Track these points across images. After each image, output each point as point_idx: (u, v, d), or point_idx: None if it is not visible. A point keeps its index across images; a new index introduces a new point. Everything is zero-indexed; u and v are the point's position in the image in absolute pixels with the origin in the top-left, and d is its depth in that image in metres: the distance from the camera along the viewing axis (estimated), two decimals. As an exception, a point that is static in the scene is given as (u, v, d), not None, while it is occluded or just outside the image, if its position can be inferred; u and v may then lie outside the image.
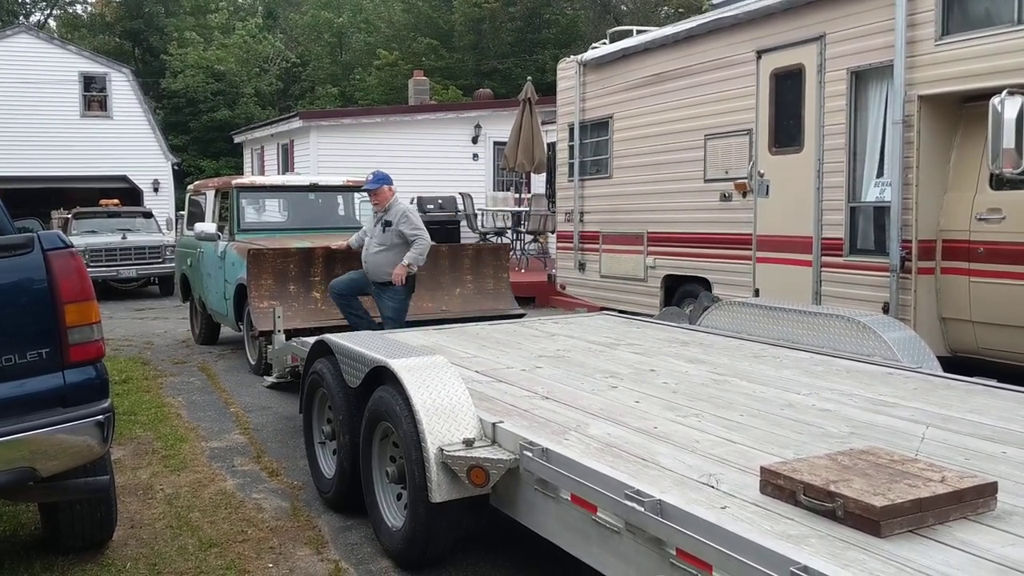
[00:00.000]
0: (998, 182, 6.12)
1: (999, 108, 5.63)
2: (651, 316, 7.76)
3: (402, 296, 7.41)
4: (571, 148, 10.82)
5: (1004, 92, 5.65)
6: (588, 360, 5.13)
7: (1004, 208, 6.09)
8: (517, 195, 17.46)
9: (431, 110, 20.52)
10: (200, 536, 4.41)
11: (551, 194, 15.41)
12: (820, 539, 2.42)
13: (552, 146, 14.30)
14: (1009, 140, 5.61)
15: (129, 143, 25.93)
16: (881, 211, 6.90)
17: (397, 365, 3.89)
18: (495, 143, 19.35)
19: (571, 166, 10.85)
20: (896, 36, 6.59)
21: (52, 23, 44.20)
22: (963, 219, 6.36)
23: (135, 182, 25.87)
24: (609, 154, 10.14)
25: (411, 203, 17.53)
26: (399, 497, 4.03)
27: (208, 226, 9.50)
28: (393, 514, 4.07)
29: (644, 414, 3.83)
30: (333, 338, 4.77)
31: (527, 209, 16.12)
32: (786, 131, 7.75)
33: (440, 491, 3.52)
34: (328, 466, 4.84)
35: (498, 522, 3.91)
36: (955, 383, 4.43)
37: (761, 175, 7.94)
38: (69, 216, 17.48)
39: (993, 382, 4.37)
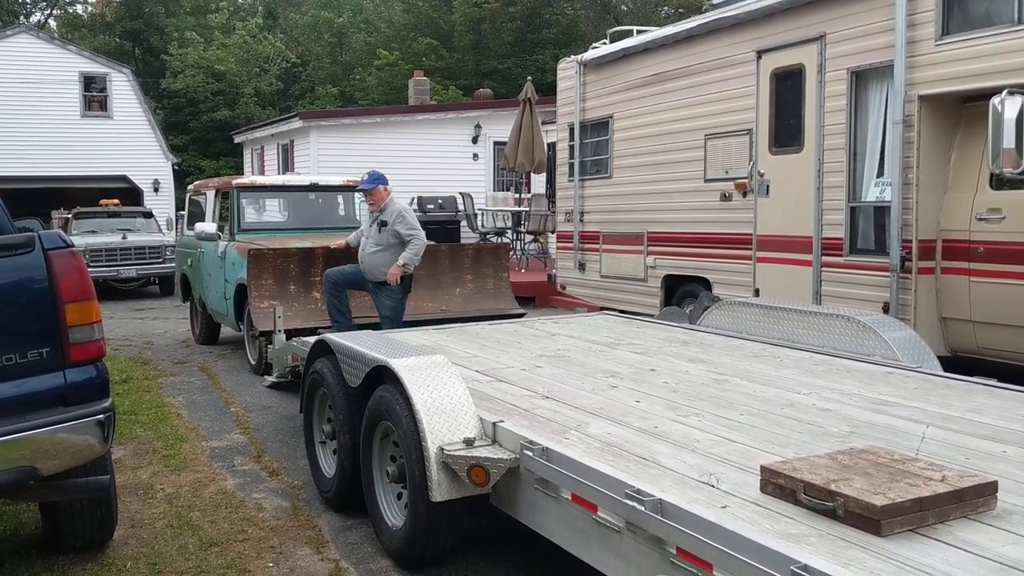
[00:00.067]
0: (998, 182, 6.13)
1: (999, 108, 5.64)
2: (651, 316, 7.76)
3: (399, 295, 7.41)
4: (571, 148, 10.82)
5: (1004, 92, 5.65)
6: (588, 360, 5.13)
7: (1004, 208, 6.09)
8: (517, 195, 17.46)
9: (431, 110, 20.52)
10: (200, 535, 4.41)
11: (551, 194, 15.41)
12: (820, 538, 2.43)
13: (552, 146, 14.31)
14: (1009, 140, 5.61)
15: (129, 143, 25.93)
16: (881, 211, 6.90)
17: (398, 364, 3.89)
18: (495, 143, 19.35)
19: (571, 166, 10.85)
20: (896, 36, 6.59)
21: (52, 23, 44.23)
22: (963, 219, 6.36)
23: (135, 182, 25.88)
24: (609, 154, 10.14)
25: (411, 203, 17.64)
26: (399, 496, 4.03)
27: (208, 226, 9.50)
28: (393, 513, 4.07)
29: (644, 413, 3.83)
30: (333, 338, 4.77)
31: (527, 209, 16.12)
32: (786, 131, 7.75)
33: (440, 490, 3.52)
34: (328, 465, 4.85)
35: (498, 522, 3.91)
36: (955, 383, 4.43)
37: (761, 175, 7.95)
38: (69, 216, 17.48)
39: (993, 382, 4.37)
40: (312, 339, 5.24)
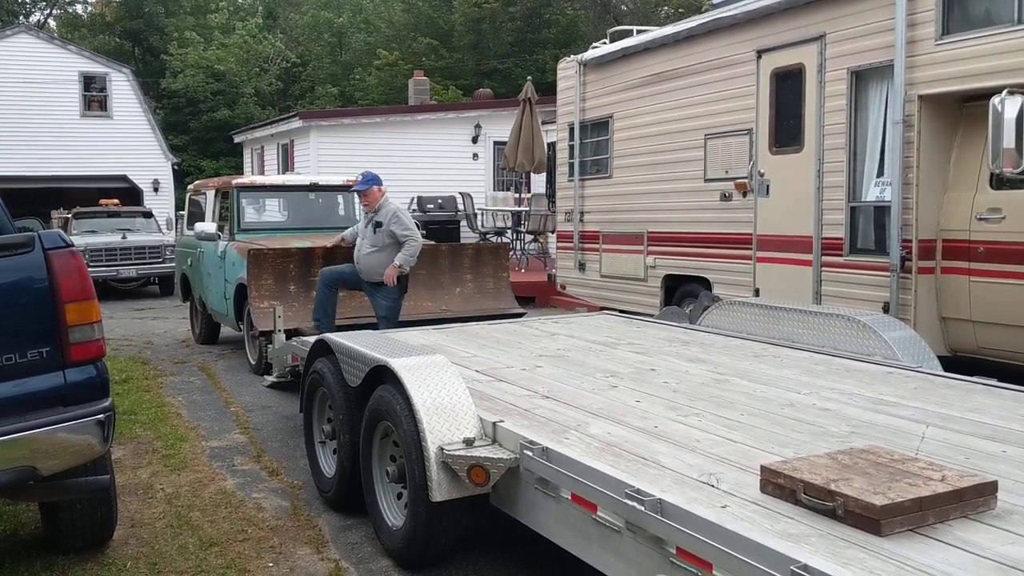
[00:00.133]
0: (998, 182, 6.13)
1: (999, 108, 5.64)
2: (651, 316, 7.76)
3: (395, 296, 7.41)
4: (571, 148, 10.82)
5: (1004, 92, 5.65)
6: (588, 359, 5.13)
7: (1004, 208, 6.09)
8: (517, 195, 17.46)
9: (431, 110, 20.52)
10: (200, 535, 4.41)
11: (551, 194, 15.41)
12: (820, 538, 2.43)
13: (552, 146, 14.30)
14: (1009, 140, 5.61)
15: (129, 143, 25.92)
16: (881, 211, 6.90)
17: (397, 364, 3.89)
18: (495, 143, 19.35)
19: (571, 166, 10.85)
20: (896, 36, 6.59)
21: (52, 23, 44.25)
22: (963, 219, 6.36)
23: (135, 182, 25.86)
24: (609, 154, 10.14)
25: (411, 203, 17.66)
26: (399, 496, 4.03)
27: (208, 226, 9.50)
28: (393, 513, 4.07)
29: (644, 413, 3.83)
30: (333, 337, 4.77)
31: (527, 209, 16.12)
32: (786, 131, 7.75)
33: (440, 490, 3.52)
34: (328, 465, 4.85)
35: (498, 521, 3.91)
36: (955, 382, 4.43)
37: (761, 175, 7.95)
38: (69, 216, 17.48)
39: (993, 381, 4.37)
40: (312, 339, 5.24)
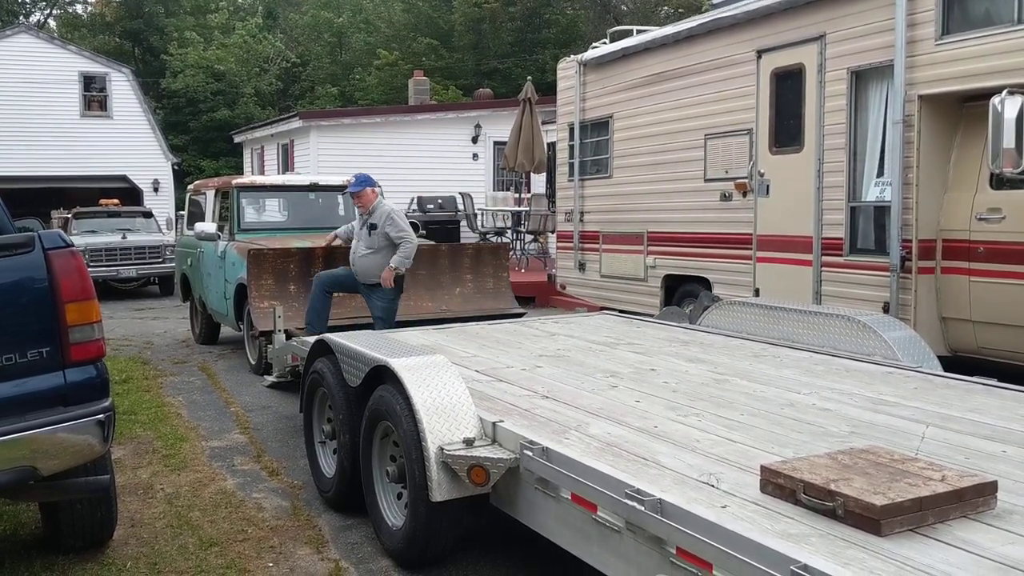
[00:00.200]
0: (998, 182, 6.13)
1: (999, 108, 5.64)
2: (651, 316, 7.76)
3: (392, 297, 7.40)
4: (571, 148, 10.82)
5: (1004, 92, 5.65)
6: (588, 359, 5.14)
7: (1004, 208, 6.09)
8: (517, 195, 17.47)
9: (431, 110, 20.52)
10: (200, 535, 4.41)
11: (551, 194, 15.41)
12: (820, 538, 2.43)
13: (552, 146, 14.31)
14: (1009, 140, 5.62)
15: (129, 143, 25.92)
16: (881, 211, 6.90)
17: (397, 364, 3.89)
18: (495, 143, 19.35)
19: (571, 166, 10.85)
20: (896, 36, 6.59)
21: (52, 23, 44.23)
22: (963, 219, 6.36)
23: (135, 182, 25.86)
24: (609, 154, 10.14)
25: (411, 203, 17.67)
26: (399, 496, 4.03)
27: (208, 226, 9.50)
28: (393, 513, 4.07)
29: (644, 413, 3.83)
30: (333, 337, 4.77)
31: (527, 209, 16.12)
32: (786, 131, 7.75)
33: (440, 490, 3.52)
34: (328, 465, 4.85)
35: (498, 521, 3.91)
36: (955, 382, 4.43)
37: (761, 175, 7.95)
38: (69, 216, 17.47)
39: (993, 381, 4.37)
40: (312, 339, 5.24)
